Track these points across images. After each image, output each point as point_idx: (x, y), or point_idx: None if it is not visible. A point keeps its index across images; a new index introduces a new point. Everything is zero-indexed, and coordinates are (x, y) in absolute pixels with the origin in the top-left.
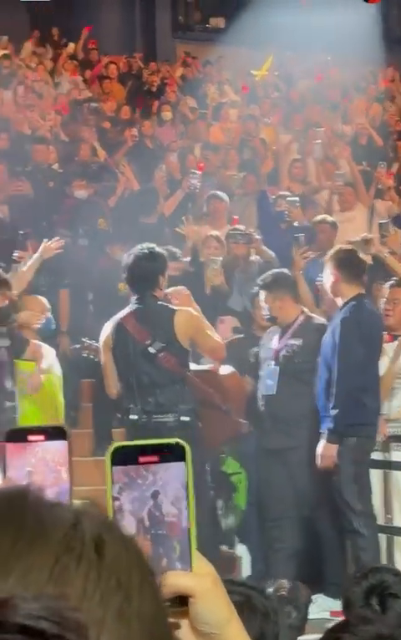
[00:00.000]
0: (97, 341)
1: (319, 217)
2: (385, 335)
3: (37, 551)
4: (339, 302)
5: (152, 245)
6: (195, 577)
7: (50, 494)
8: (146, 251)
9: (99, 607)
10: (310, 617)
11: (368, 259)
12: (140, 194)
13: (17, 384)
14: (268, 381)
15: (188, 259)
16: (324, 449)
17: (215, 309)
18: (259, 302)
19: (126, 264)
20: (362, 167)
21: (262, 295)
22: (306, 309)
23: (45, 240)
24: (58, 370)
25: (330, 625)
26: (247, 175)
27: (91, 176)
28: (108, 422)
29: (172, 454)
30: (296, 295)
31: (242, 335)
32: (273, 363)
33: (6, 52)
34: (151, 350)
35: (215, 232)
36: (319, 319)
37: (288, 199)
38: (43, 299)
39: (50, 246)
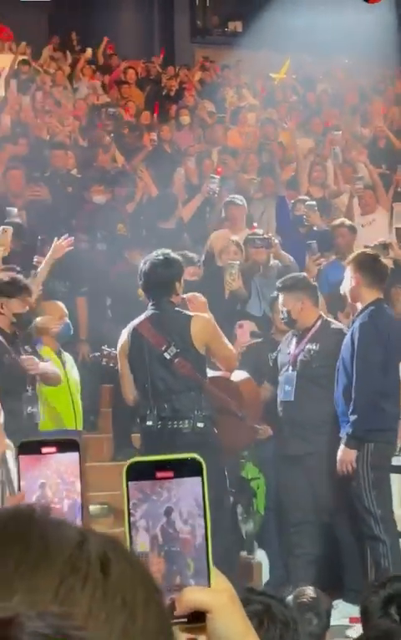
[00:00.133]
0: (115, 348)
1: (337, 221)
2: None
3: (42, 572)
4: (358, 306)
5: (167, 251)
6: (212, 593)
7: (63, 506)
8: (161, 257)
9: (105, 626)
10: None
11: (389, 263)
12: (159, 199)
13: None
14: (286, 387)
15: (202, 258)
16: (343, 455)
17: (234, 314)
18: (278, 306)
19: (142, 270)
20: (380, 170)
21: (282, 298)
22: (323, 314)
23: (56, 238)
24: (75, 375)
25: (349, 631)
26: (265, 178)
27: (109, 182)
28: (127, 427)
29: (188, 469)
30: (316, 299)
31: (261, 339)
32: (291, 368)
33: (24, 57)
34: (167, 356)
35: (234, 237)
36: (337, 324)
37: (306, 203)
38: (61, 304)
39: (61, 244)
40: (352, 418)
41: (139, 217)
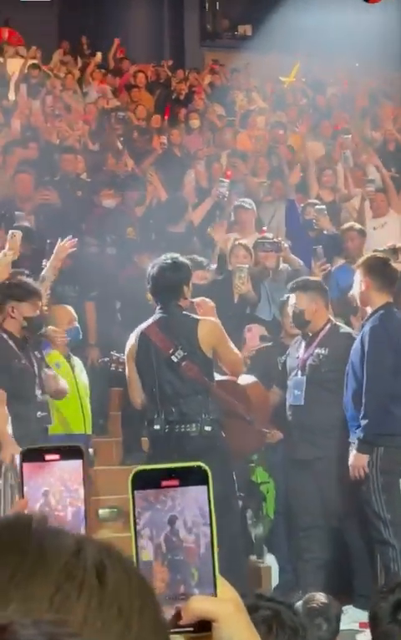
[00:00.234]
0: (124, 353)
1: (347, 225)
2: None
3: (38, 580)
4: (368, 310)
5: (176, 255)
6: (218, 602)
7: (67, 514)
8: (170, 261)
9: (100, 634)
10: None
11: (399, 267)
12: (168, 203)
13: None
14: (295, 391)
15: (214, 265)
16: (355, 460)
17: (243, 318)
18: (288, 309)
19: (150, 274)
20: (390, 173)
21: (295, 297)
22: (332, 318)
23: (59, 240)
24: (85, 379)
25: (359, 636)
26: (274, 181)
27: (119, 186)
28: (136, 431)
29: (193, 477)
30: (328, 303)
31: (271, 343)
32: (300, 373)
33: (35, 61)
34: (174, 359)
35: (243, 241)
36: (346, 328)
37: (316, 207)
38: (70, 309)
39: (64, 246)
40: (363, 422)
41: (149, 221)
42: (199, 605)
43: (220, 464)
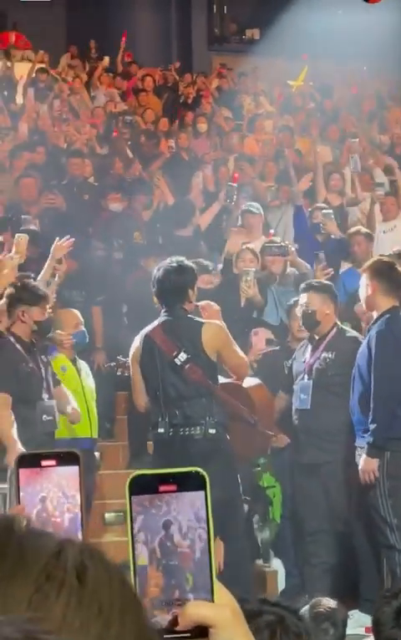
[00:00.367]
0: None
1: (353, 229)
2: None
3: (17, 581)
4: (374, 314)
5: (181, 258)
6: (215, 607)
7: (64, 520)
8: (175, 264)
9: (79, 633)
10: None
11: None
12: (175, 206)
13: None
14: (302, 395)
15: (220, 265)
16: (365, 464)
17: (250, 322)
18: (298, 309)
19: (155, 277)
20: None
21: (306, 298)
22: (339, 322)
23: (57, 239)
24: (91, 383)
25: None
26: (282, 186)
27: (126, 190)
28: (142, 434)
29: (191, 482)
30: (336, 307)
31: (278, 347)
32: (306, 377)
33: (42, 65)
34: (178, 361)
35: (250, 245)
36: (352, 332)
37: (323, 212)
38: (77, 312)
39: (61, 245)
40: (372, 426)
41: (156, 225)
42: (196, 610)
43: (225, 467)
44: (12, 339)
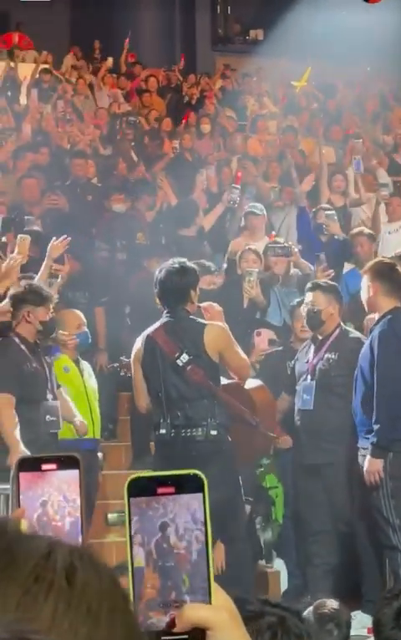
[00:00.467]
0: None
1: (356, 230)
2: None
3: (6, 582)
4: (375, 315)
5: (183, 259)
6: (212, 610)
7: (65, 524)
8: (177, 265)
9: (68, 634)
10: None
11: None
12: (179, 206)
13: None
14: (305, 396)
15: (225, 265)
16: (370, 465)
17: (253, 323)
18: (302, 308)
19: (157, 278)
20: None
21: (311, 297)
22: (342, 323)
23: (54, 238)
24: (93, 383)
25: None
26: (285, 187)
27: (129, 190)
28: (145, 435)
29: (190, 485)
30: (341, 308)
31: (281, 348)
32: (309, 377)
33: (46, 66)
34: (179, 363)
35: (253, 245)
36: (355, 333)
37: (326, 213)
38: (79, 313)
39: (57, 244)
40: (376, 427)
41: (159, 226)
42: (193, 612)
43: (226, 469)
44: (16, 340)
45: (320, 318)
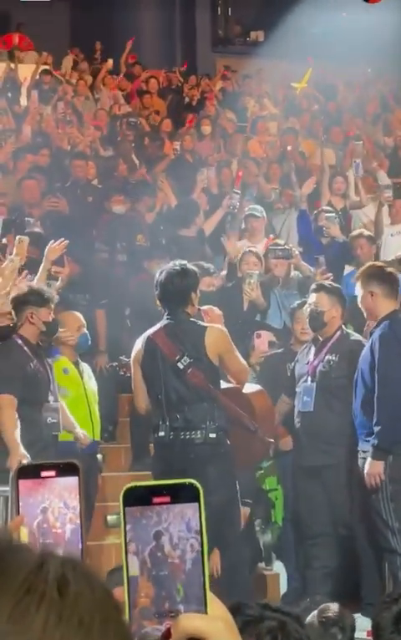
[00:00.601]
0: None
1: (356, 232)
2: None
3: None
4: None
5: (184, 262)
6: (208, 620)
7: (66, 531)
8: (178, 267)
9: None
10: None
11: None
12: (179, 206)
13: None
14: (305, 397)
15: (224, 272)
16: (370, 467)
17: (253, 325)
18: (305, 309)
19: (158, 281)
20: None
21: (315, 298)
22: (343, 326)
23: (51, 242)
24: (93, 385)
25: None
26: (285, 189)
27: (129, 192)
28: (145, 437)
29: (185, 494)
30: (343, 311)
31: (281, 350)
32: (310, 379)
33: (46, 67)
34: (180, 365)
35: (253, 248)
36: (356, 335)
37: (326, 215)
38: (79, 315)
39: (54, 247)
40: (377, 429)
41: (159, 227)
42: (189, 622)
43: (225, 472)
44: (19, 341)
45: (322, 320)
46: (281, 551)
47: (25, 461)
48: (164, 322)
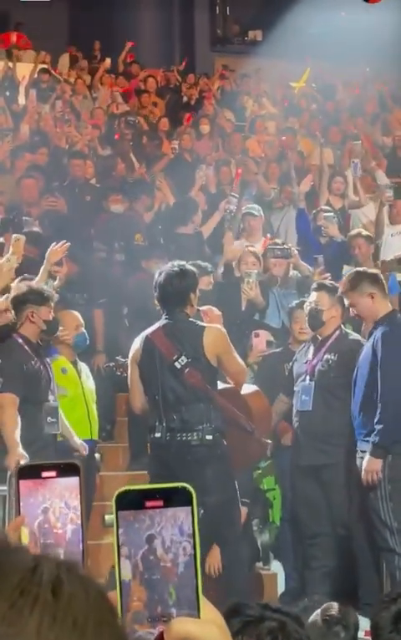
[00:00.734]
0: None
1: (354, 232)
2: None
3: None
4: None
5: (183, 262)
6: (201, 624)
7: (67, 532)
8: (177, 268)
9: None
10: None
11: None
12: (177, 204)
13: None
14: (303, 396)
15: (221, 270)
16: (369, 464)
17: (251, 324)
18: (305, 307)
19: (157, 281)
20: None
21: (315, 297)
22: (342, 325)
23: (53, 244)
24: (91, 385)
25: None
26: (284, 188)
27: (127, 191)
28: (143, 436)
29: (178, 498)
30: (343, 310)
31: (279, 349)
32: (308, 378)
33: (45, 66)
34: (177, 365)
35: (252, 248)
36: (355, 335)
37: (325, 215)
38: (77, 314)
39: (56, 249)
40: (378, 427)
41: (157, 227)
42: (182, 627)
43: (222, 473)
44: (20, 340)
45: (321, 319)
46: (278, 551)
47: (23, 461)
48: (162, 321)
